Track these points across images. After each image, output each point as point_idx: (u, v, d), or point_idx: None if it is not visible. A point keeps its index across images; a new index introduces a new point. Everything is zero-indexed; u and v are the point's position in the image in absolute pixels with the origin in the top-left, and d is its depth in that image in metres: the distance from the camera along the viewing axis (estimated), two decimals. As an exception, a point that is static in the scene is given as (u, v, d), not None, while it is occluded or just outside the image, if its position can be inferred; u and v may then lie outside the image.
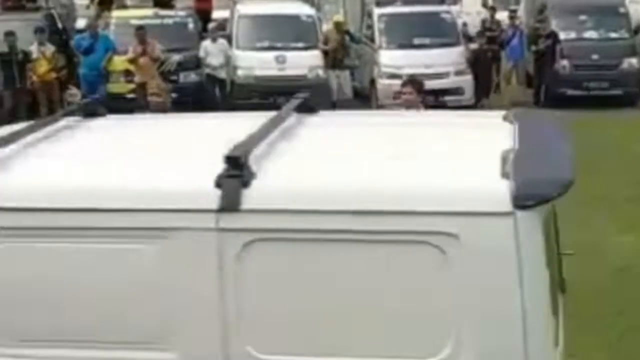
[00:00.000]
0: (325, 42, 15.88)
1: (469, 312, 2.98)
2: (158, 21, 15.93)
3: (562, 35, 16.12)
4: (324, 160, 3.39)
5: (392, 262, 3.02)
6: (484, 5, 25.54)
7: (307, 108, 4.02)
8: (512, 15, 17.65)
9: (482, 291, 2.97)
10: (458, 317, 2.98)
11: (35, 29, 14.94)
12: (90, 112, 4.21)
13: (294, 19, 16.19)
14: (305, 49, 15.70)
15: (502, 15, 18.78)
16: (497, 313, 2.98)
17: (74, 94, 13.88)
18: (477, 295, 2.97)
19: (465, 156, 3.33)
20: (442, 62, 15.07)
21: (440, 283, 2.98)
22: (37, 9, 16.97)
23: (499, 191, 2.95)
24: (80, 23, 18.31)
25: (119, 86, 15.17)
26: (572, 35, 16.27)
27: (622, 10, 16.89)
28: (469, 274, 2.96)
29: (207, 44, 15.50)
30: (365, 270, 3.03)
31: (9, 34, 14.47)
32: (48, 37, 15.23)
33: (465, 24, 26.51)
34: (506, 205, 2.92)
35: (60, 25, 17.10)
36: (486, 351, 2.98)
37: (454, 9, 24.96)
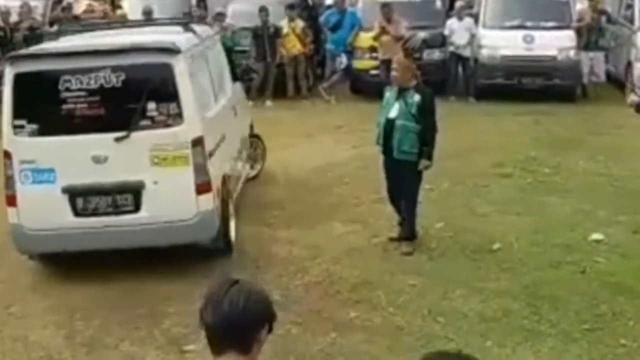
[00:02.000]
0: (579, 21, 14.99)
1: None
2: (407, -1, 15.82)
3: None
4: None
5: None
6: None
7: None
8: None
9: None
10: None
11: (287, 5, 15.41)
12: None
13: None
14: (557, 28, 14.91)
15: None
16: None
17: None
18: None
19: None
20: None
21: None
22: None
23: None
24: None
25: (363, 63, 15.32)
26: None
27: None
28: None
29: (452, 22, 15.22)
30: None
31: (263, 10, 15.03)
32: (298, 13, 15.67)
33: None
34: None
35: (310, 0, 17.57)
36: None
37: None
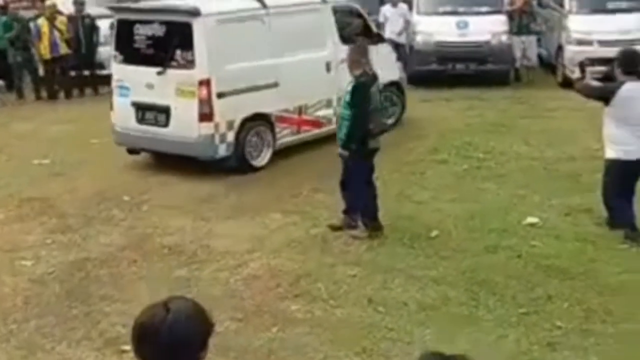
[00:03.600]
0: (511, 6, 15.20)
1: None
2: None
3: None
4: None
5: None
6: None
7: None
8: None
9: None
10: None
11: None
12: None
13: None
14: (489, 13, 15.10)
15: None
16: None
17: None
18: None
19: None
20: None
21: None
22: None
23: None
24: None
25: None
26: None
27: None
28: None
29: (386, 9, 15.28)
30: None
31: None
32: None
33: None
34: None
35: None
36: None
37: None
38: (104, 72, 14.92)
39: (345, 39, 10.85)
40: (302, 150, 10.67)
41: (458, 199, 8.86)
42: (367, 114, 7.53)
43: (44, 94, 14.84)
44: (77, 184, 9.82)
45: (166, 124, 9.84)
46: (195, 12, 9.53)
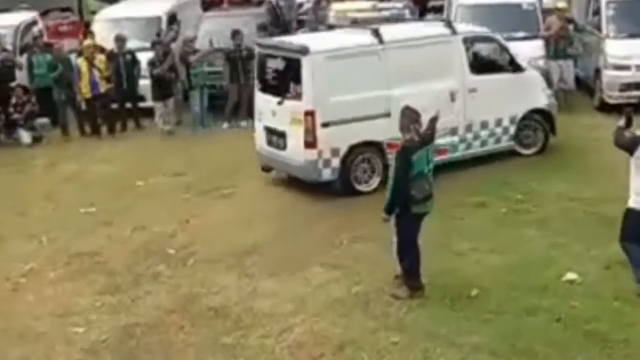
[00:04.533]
0: (548, 31, 15.16)
1: None
2: (376, 14, 15.93)
3: None
4: None
5: None
6: None
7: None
8: None
9: None
10: None
11: (258, 27, 15.49)
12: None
13: (515, 8, 15.58)
14: (526, 39, 15.06)
15: None
16: None
17: None
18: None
19: None
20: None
21: None
22: (260, 3, 17.61)
23: None
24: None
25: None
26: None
27: None
28: None
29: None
30: None
31: (236, 33, 15.09)
32: (271, 32, 15.74)
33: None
34: None
35: (282, 17, 17.66)
36: None
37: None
38: (146, 104, 15.31)
39: (479, 69, 11.70)
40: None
41: (497, 250, 8.94)
42: (409, 180, 7.67)
43: (87, 130, 15.17)
44: (123, 234, 10.10)
45: (284, 148, 11.13)
46: (304, 51, 10.74)
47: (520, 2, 15.69)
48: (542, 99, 12.40)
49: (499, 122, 11.87)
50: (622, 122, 8.05)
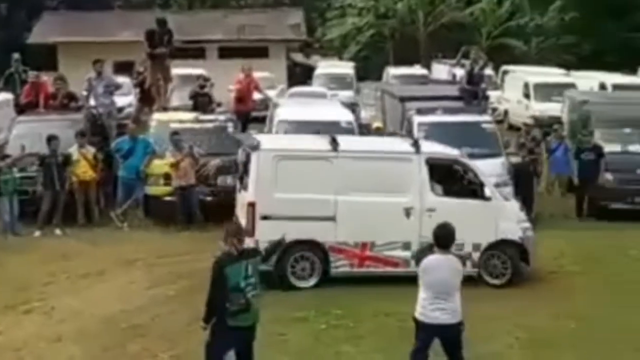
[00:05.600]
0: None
1: None
2: (198, 125, 16.01)
3: (606, 148, 15.91)
4: None
5: None
6: (526, 95, 25.51)
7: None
8: (557, 128, 17.47)
9: None
10: None
11: (76, 133, 15.10)
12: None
13: (334, 125, 16.05)
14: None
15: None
16: None
17: None
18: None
19: None
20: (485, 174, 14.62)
21: None
22: (79, 109, 17.19)
23: None
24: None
25: (158, 189, 15.19)
26: (617, 148, 15.99)
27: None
28: None
29: (245, 149, 15.48)
30: None
31: (53, 138, 14.61)
32: (89, 139, 15.37)
33: (506, 112, 26.56)
34: None
35: (101, 123, 17.29)
36: None
37: (495, 94, 24.98)
38: None
39: (441, 189, 11.80)
40: (153, 307, 10.44)
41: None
42: (223, 292, 7.57)
43: None
44: None
45: None
46: (255, 147, 11.55)
47: (339, 120, 16.25)
48: (513, 230, 11.84)
49: (459, 247, 10.53)
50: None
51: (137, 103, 20.57)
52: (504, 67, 30.67)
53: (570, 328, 10.23)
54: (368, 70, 37.52)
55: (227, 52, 33.56)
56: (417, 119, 16.13)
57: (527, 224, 12.11)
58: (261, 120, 19.97)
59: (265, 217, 11.17)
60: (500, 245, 11.79)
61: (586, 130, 16.71)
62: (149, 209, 15.43)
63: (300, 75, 33.72)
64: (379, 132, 16.05)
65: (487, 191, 11.89)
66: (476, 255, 11.66)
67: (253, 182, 11.42)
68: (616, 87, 24.49)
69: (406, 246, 11.48)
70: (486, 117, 16.93)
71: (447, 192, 11.91)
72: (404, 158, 11.78)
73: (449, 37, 39.10)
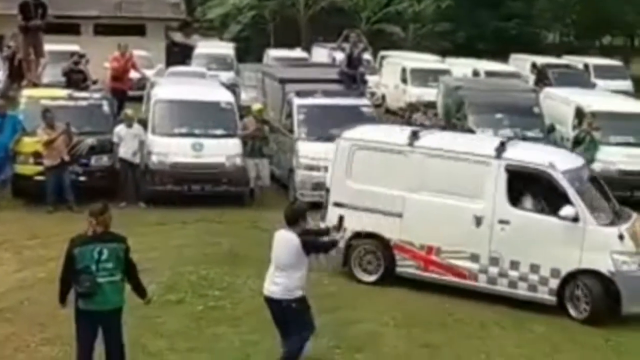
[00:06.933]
0: (244, 130, 15.65)
1: None
2: (72, 103, 15.44)
3: (478, 132, 16.40)
4: None
5: None
6: (403, 80, 26.08)
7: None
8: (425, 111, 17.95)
9: None
10: None
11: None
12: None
13: (213, 105, 15.92)
14: (224, 136, 15.40)
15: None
16: None
17: None
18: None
19: None
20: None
21: None
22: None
23: None
24: None
25: (27, 167, 14.58)
26: (489, 132, 16.51)
27: (536, 110, 17.40)
28: None
29: (120, 129, 15.02)
30: None
31: None
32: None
33: (384, 97, 27.12)
34: None
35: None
36: None
37: (373, 79, 25.38)
38: None
39: (520, 201, 10.61)
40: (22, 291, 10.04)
41: (195, 348, 8.76)
42: (71, 272, 7.38)
43: None
44: None
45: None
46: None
47: (219, 100, 16.06)
48: (601, 260, 10.15)
49: (534, 269, 10.37)
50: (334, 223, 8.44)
51: (6, 78, 19.67)
52: (382, 53, 31.21)
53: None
54: (249, 51, 37.19)
55: (103, 29, 32.50)
56: (297, 101, 16.18)
57: (625, 258, 10.15)
58: (138, 99, 19.53)
59: (337, 204, 11.15)
60: (583, 276, 10.25)
61: (460, 114, 17.17)
62: (18, 189, 14.81)
63: (179, 54, 33.00)
64: (258, 114, 15.89)
65: (575, 211, 10.21)
66: (554, 282, 10.32)
67: (330, 169, 11.64)
68: (489, 73, 25.42)
69: (474, 258, 10.60)
70: (365, 101, 17.16)
71: (528, 205, 10.66)
72: (482, 161, 10.70)
73: (329, 22, 39.27)
